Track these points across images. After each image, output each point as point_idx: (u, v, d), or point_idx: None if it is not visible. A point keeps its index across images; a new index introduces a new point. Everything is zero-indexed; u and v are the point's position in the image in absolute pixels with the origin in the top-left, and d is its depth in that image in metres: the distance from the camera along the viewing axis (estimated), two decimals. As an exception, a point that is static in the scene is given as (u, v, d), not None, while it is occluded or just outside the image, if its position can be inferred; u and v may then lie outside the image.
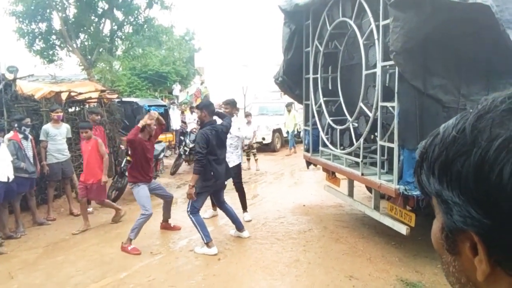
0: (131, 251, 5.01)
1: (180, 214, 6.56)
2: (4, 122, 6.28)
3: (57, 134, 6.58)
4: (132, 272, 4.45)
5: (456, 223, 0.53)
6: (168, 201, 5.82)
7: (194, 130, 10.14)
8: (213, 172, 4.94)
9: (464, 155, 0.50)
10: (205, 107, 5.13)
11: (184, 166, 10.49)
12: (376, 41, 4.35)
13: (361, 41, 4.72)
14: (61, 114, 6.87)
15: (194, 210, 5.00)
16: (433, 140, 0.57)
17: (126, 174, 7.32)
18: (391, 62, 4.07)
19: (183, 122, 14.17)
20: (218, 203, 5.39)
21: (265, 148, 13.46)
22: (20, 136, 5.91)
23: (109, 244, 5.34)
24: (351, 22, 4.91)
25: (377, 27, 4.31)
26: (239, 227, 5.37)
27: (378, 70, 4.37)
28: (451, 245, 0.56)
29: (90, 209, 6.92)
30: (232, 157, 6.09)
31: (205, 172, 4.88)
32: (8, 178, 5.40)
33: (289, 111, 13.43)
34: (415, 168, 0.60)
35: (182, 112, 15.75)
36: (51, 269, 4.62)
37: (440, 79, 3.97)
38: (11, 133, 5.91)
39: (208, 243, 4.91)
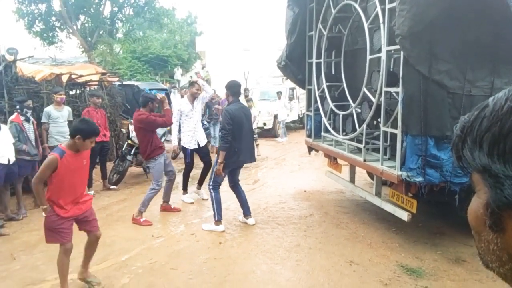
0: (143, 223, 5.35)
1: (180, 198, 6.59)
2: (4, 104, 6.25)
3: (59, 116, 6.55)
4: (134, 255, 4.48)
5: (508, 198, 0.51)
6: (171, 179, 5.92)
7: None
8: (237, 149, 5.03)
9: None
10: (229, 87, 5.26)
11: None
12: (382, 25, 4.28)
13: (366, 25, 4.64)
14: (64, 96, 6.83)
15: (215, 185, 5.15)
16: (479, 113, 0.55)
17: (128, 158, 7.33)
18: (396, 47, 4.00)
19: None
20: (232, 183, 5.40)
21: (266, 133, 13.44)
22: (22, 118, 5.88)
23: (111, 227, 5.36)
24: (356, 5, 4.82)
25: (383, 10, 4.23)
26: (246, 213, 5.39)
27: (382, 55, 4.31)
28: (496, 222, 0.54)
29: (91, 192, 6.94)
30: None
31: (229, 149, 5.00)
32: (9, 161, 5.40)
33: (246, 97, 11.69)
34: (455, 143, 0.58)
35: (182, 96, 15.65)
36: (53, 251, 4.61)
37: (445, 64, 3.91)
38: (14, 115, 5.89)
39: (217, 221, 5.09)
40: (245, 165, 6.16)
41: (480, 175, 0.55)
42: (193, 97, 6.26)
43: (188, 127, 6.23)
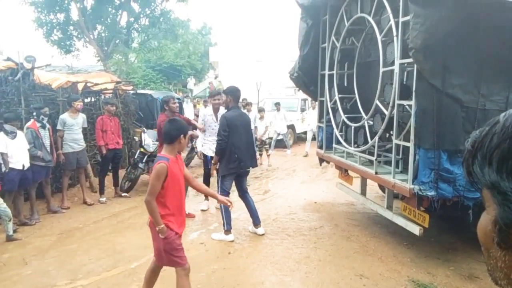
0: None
1: (192, 206, 6.61)
2: (21, 111, 6.38)
3: (74, 124, 6.67)
4: (144, 262, 4.48)
5: None
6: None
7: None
8: (236, 154, 5.07)
9: None
10: (231, 92, 5.27)
11: (196, 160, 10.52)
12: (395, 38, 4.28)
13: (379, 38, 4.65)
14: (82, 104, 6.98)
15: (223, 194, 5.09)
16: (490, 129, 0.54)
17: (140, 165, 7.40)
18: (410, 60, 3.99)
19: (196, 115, 14.25)
20: (240, 191, 5.40)
21: (277, 144, 13.42)
22: (38, 124, 6.00)
23: (121, 234, 5.40)
24: (370, 18, 4.84)
25: (396, 23, 4.23)
26: (256, 222, 5.37)
27: (396, 68, 4.30)
28: (504, 239, 0.53)
29: (103, 199, 7.01)
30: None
31: (229, 155, 5.05)
32: (23, 166, 5.50)
33: (245, 106, 10.35)
34: (465, 158, 0.58)
35: (195, 106, 15.86)
36: (64, 256, 4.69)
37: (459, 78, 3.89)
38: (30, 122, 6.01)
39: (227, 231, 5.09)
40: (255, 175, 6.13)
41: (489, 192, 0.54)
42: (216, 108, 6.22)
43: (210, 136, 6.24)
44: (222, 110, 6.31)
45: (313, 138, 13.25)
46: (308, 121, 13.02)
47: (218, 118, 6.21)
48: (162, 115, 5.76)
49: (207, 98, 6.52)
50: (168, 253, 3.17)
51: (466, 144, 0.59)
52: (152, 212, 3.08)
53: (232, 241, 5.07)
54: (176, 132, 3.16)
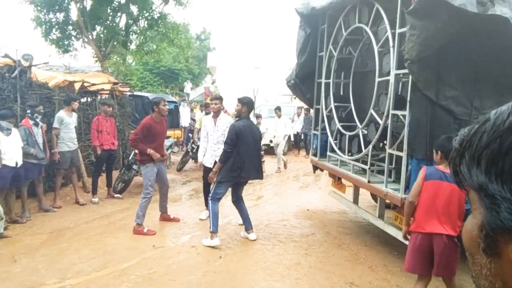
0: (148, 233, 5.36)
1: (184, 210, 6.61)
2: (17, 108, 6.36)
3: (71, 122, 6.68)
4: (134, 264, 4.48)
5: (504, 221, 0.46)
6: (162, 191, 5.92)
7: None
8: (239, 164, 5.05)
9: None
10: (248, 103, 5.29)
11: (191, 163, 10.53)
12: (391, 49, 4.34)
13: (376, 48, 4.72)
14: (78, 105, 7.01)
15: (214, 197, 5.16)
16: (480, 127, 0.51)
17: (134, 167, 7.39)
18: (405, 71, 4.06)
19: (192, 119, 14.30)
20: (235, 197, 5.39)
21: (272, 150, 13.45)
22: (31, 122, 5.99)
23: (112, 235, 5.38)
24: (367, 29, 4.91)
25: (393, 34, 4.30)
26: (248, 227, 5.36)
27: (391, 78, 4.36)
28: (490, 245, 0.49)
29: (96, 200, 6.98)
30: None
31: (232, 163, 5.04)
32: (16, 163, 5.47)
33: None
34: (452, 157, 0.54)
35: (192, 110, 15.91)
36: (54, 255, 4.66)
37: (453, 90, 3.95)
38: (24, 119, 6.00)
39: (212, 233, 5.02)
40: (248, 181, 5.99)
41: (477, 194, 0.51)
42: (215, 113, 5.92)
43: (209, 145, 5.96)
44: (222, 115, 6.07)
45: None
46: (274, 132, 11.71)
47: (216, 124, 5.91)
48: (149, 117, 5.60)
49: (210, 102, 6.31)
50: (455, 260, 3.28)
51: (453, 142, 0.55)
52: (407, 214, 3.29)
53: (217, 245, 4.97)
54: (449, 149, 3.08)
